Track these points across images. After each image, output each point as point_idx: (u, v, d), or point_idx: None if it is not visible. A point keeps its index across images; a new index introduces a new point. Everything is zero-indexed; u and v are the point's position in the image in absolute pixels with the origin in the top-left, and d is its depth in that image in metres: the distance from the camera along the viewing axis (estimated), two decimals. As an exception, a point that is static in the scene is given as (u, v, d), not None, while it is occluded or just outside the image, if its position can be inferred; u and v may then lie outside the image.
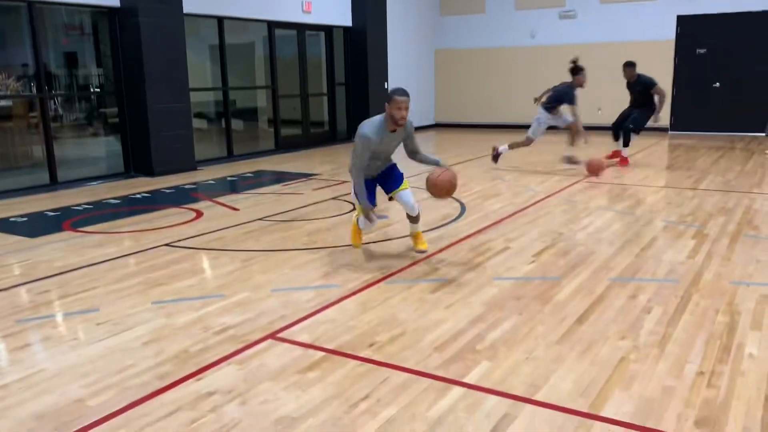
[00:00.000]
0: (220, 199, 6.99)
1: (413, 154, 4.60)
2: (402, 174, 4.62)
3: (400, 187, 4.57)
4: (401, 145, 4.56)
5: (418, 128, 14.11)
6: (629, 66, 8.67)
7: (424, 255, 4.64)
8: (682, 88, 12.35)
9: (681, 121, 12.51)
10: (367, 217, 4.49)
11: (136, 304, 3.84)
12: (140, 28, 8.21)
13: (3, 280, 4.36)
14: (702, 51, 12.16)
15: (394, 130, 4.31)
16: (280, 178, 8.51)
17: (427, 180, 4.40)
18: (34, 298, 4.00)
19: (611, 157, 8.95)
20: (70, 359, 3.12)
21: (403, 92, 4.17)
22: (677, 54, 12.33)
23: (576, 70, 8.02)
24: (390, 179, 4.63)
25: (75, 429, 2.50)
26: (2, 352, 3.28)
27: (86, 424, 2.54)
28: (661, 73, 12.25)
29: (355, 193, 4.53)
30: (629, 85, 8.82)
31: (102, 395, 2.77)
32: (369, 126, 4.29)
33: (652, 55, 12.06)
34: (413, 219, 4.65)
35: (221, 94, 10.26)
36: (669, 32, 12.35)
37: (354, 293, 3.95)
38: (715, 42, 12.04)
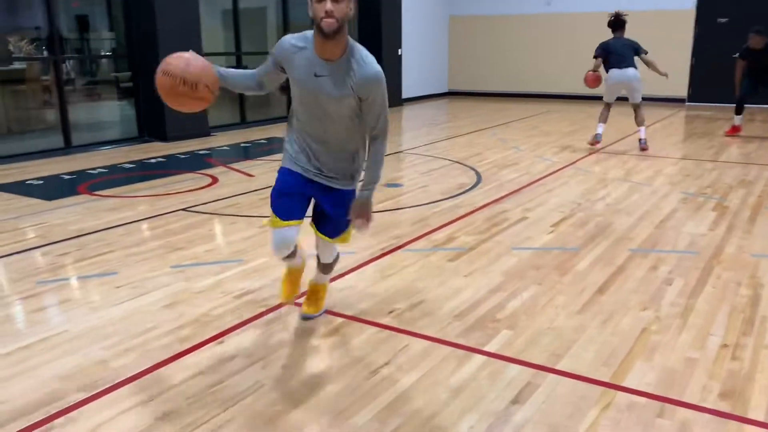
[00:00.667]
0: (235, 165, 6.96)
1: (371, 140, 2.65)
2: (346, 217, 2.74)
3: (331, 238, 2.86)
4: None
5: (431, 96, 14.01)
6: (760, 33, 8.16)
7: (318, 316, 3.13)
8: (701, 59, 12.14)
9: (699, 93, 12.30)
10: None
11: (154, 268, 3.84)
12: (153, -9, 8.13)
13: (21, 242, 4.38)
14: (723, 20, 11.91)
15: (329, 58, 2.46)
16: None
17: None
18: (53, 261, 4.01)
19: (731, 132, 8.67)
20: (91, 321, 3.13)
21: None
22: (697, 23, 12.08)
23: (619, 23, 7.60)
24: (328, 219, 2.83)
25: (98, 389, 2.52)
26: (23, 313, 3.30)
27: (110, 384, 2.56)
28: (681, 43, 12.06)
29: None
30: (755, 54, 8.27)
31: (124, 357, 2.78)
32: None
33: (671, 24, 11.83)
34: (323, 267, 3.08)
35: (234, 59, 10.17)
36: (689, 1, 12.09)
37: (371, 260, 3.94)
38: (737, 11, 11.78)
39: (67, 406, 2.41)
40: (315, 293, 3.15)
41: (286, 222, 2.69)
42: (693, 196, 5.42)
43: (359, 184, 2.73)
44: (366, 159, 2.69)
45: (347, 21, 2.40)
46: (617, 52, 7.37)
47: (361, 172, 2.74)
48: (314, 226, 2.88)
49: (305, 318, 3.12)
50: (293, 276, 3.07)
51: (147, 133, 8.77)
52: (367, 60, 2.48)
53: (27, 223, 4.83)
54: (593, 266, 3.81)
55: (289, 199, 2.69)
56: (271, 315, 3.19)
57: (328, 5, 2.31)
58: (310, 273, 3.24)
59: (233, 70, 2.73)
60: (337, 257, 3.08)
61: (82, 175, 6.57)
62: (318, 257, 3.03)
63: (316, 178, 2.68)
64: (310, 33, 2.51)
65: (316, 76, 2.48)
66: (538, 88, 13.56)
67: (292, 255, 2.87)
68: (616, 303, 3.29)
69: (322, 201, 2.76)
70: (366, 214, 2.68)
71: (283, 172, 2.71)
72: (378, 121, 2.56)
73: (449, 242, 4.29)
